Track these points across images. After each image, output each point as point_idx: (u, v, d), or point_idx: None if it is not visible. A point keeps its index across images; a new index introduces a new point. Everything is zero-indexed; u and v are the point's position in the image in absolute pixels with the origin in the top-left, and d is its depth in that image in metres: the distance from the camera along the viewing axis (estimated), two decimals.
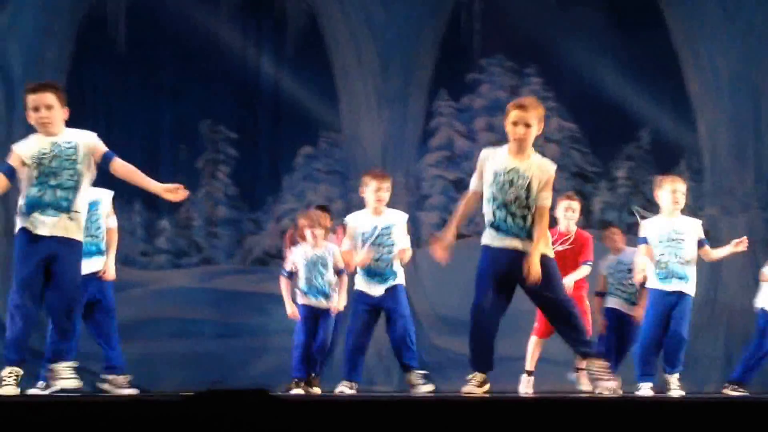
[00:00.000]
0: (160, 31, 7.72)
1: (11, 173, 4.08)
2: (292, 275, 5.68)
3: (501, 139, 7.93)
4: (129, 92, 7.71)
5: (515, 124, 4.14)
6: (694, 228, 5.14)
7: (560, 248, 5.45)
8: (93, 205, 4.99)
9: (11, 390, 3.93)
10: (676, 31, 7.75)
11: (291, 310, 5.48)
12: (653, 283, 5.15)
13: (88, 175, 4.17)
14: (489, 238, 4.32)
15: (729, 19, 7.80)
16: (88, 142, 4.17)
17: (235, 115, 7.87)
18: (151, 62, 7.75)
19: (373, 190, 5.24)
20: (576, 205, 5.75)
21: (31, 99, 4.11)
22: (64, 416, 3.08)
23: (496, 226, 4.26)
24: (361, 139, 7.94)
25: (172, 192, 4.08)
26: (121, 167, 4.10)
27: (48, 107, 4.08)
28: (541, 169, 4.27)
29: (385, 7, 7.88)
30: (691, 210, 7.55)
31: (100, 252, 5.11)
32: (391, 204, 7.27)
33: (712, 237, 7.34)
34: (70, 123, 7.86)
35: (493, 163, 4.23)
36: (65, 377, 4.15)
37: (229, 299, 7.51)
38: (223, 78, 7.75)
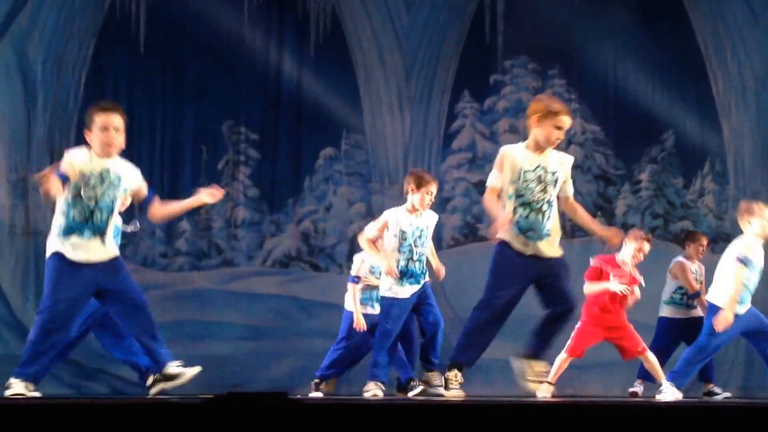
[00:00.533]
0: (181, 31, 7.73)
1: (66, 180, 4.03)
2: (359, 280, 5.72)
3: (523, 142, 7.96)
4: (150, 93, 7.71)
5: (559, 128, 4.09)
6: None
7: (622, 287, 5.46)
8: None
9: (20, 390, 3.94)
10: (702, 32, 7.76)
11: (358, 320, 5.58)
12: (737, 307, 4.99)
13: (121, 204, 4.23)
14: (510, 235, 4.24)
15: (755, 21, 7.82)
16: (133, 181, 4.20)
17: (257, 116, 7.85)
18: (173, 62, 7.75)
19: (426, 192, 5.18)
20: (647, 248, 5.66)
21: (102, 118, 4.11)
22: (83, 419, 3.14)
23: (517, 224, 4.20)
24: (383, 141, 7.96)
25: (211, 194, 4.09)
26: (158, 210, 4.18)
27: (117, 129, 4.11)
28: (562, 163, 4.26)
29: (408, 8, 7.89)
30: (714, 214, 7.67)
31: None
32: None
33: (723, 244, 7.20)
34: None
35: (515, 160, 4.18)
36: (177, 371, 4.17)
37: (248, 301, 7.53)
38: (245, 78, 7.75)
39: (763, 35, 7.78)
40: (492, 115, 7.91)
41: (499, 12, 7.86)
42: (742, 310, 5.08)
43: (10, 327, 7.51)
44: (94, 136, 4.12)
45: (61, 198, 4.06)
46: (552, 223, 4.23)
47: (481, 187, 7.38)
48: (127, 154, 7.83)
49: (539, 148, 4.16)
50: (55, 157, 7.26)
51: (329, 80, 7.84)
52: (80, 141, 7.98)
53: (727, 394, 6.11)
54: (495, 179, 4.15)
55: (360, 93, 7.85)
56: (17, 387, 4.02)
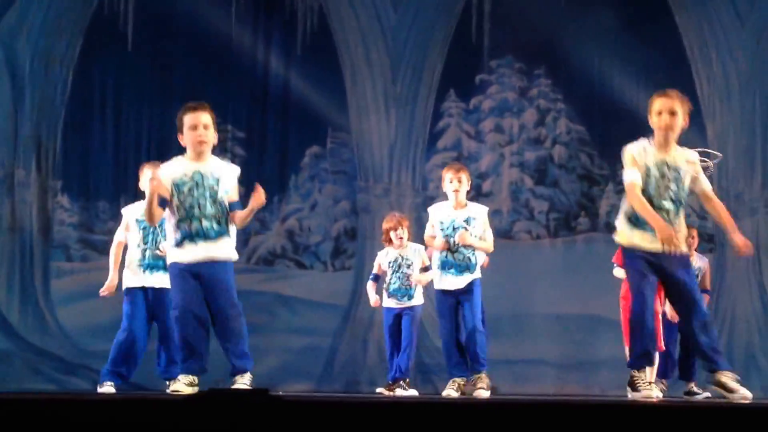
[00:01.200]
0: (169, 29, 7.74)
1: (164, 204, 4.16)
2: (378, 278, 5.86)
3: (510, 141, 8.06)
4: (138, 90, 7.72)
5: (660, 113, 4.03)
6: None
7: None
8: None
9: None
10: (688, 33, 7.72)
11: (375, 299, 5.73)
12: None
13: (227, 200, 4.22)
14: (638, 238, 4.15)
15: (741, 23, 7.76)
16: (232, 179, 4.24)
17: (244, 114, 7.88)
18: (160, 60, 7.76)
19: (449, 180, 5.25)
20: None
21: (190, 117, 4.17)
22: (65, 414, 3.08)
23: (642, 224, 4.10)
24: (368, 140, 7.95)
25: (258, 195, 4.17)
26: (239, 218, 4.24)
27: (206, 126, 4.17)
28: (688, 161, 4.15)
29: (395, 7, 7.90)
30: (697, 214, 7.49)
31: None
32: (397, 204, 7.53)
33: (719, 241, 7.55)
34: (78, 121, 7.64)
35: (642, 157, 4.09)
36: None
37: None
38: (232, 77, 7.78)
39: (748, 37, 7.72)
40: (478, 114, 7.91)
41: (485, 12, 7.85)
42: None
43: None
44: (184, 138, 4.17)
45: (168, 213, 4.23)
46: (681, 218, 4.21)
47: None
48: (115, 151, 7.75)
49: (661, 141, 4.12)
50: (42, 153, 7.77)
51: (315, 79, 7.86)
52: (67, 138, 7.87)
53: (707, 394, 6.10)
54: (633, 175, 4.07)
55: (346, 92, 7.88)
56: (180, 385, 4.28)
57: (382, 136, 7.86)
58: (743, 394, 3.98)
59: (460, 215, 5.26)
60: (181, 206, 4.20)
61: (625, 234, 4.15)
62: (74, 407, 3.23)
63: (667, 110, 3.98)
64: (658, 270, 4.10)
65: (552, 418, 3.06)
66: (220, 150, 7.74)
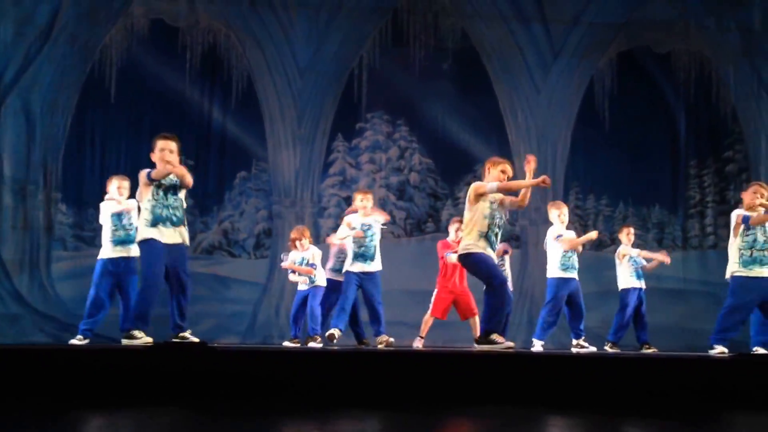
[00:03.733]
0: (141, 88, 8.32)
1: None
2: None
3: (379, 169, 8.74)
4: (118, 132, 8.22)
5: (503, 171, 4.62)
6: None
7: None
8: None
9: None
10: (502, 99, 8.78)
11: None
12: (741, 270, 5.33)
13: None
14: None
15: (537, 92, 8.85)
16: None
17: (193, 148, 8.27)
18: (135, 110, 8.29)
19: (360, 199, 6.00)
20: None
21: (162, 143, 4.57)
22: (61, 361, 3.48)
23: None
24: (281, 167, 8.47)
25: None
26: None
27: (171, 151, 4.58)
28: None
29: (301, 75, 8.62)
30: (508, 221, 7.28)
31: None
32: (301, 212, 8.48)
33: (523, 240, 8.34)
34: (74, 152, 8.18)
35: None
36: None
37: None
38: (185, 121, 8.26)
39: (542, 101, 8.84)
40: (357, 150, 8.66)
41: (364, 80, 8.63)
42: None
43: (9, 293, 7.93)
44: (155, 156, 4.48)
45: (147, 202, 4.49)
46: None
47: (348, 200, 7.95)
48: (100, 173, 7.98)
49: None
50: (48, 173, 8.12)
51: (244, 124, 8.47)
52: (65, 163, 8.16)
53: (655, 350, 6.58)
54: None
55: (266, 134, 8.49)
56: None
57: (290, 165, 8.45)
58: (508, 344, 4.60)
59: (366, 220, 6.03)
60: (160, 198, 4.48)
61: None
62: (67, 355, 3.75)
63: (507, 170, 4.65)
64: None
65: (408, 362, 3.76)
66: None
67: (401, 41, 8.60)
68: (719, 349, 5.17)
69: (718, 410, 3.67)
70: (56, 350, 4.05)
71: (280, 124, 8.62)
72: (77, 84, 8.34)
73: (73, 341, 5.56)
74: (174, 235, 4.55)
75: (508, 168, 4.83)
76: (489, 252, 4.78)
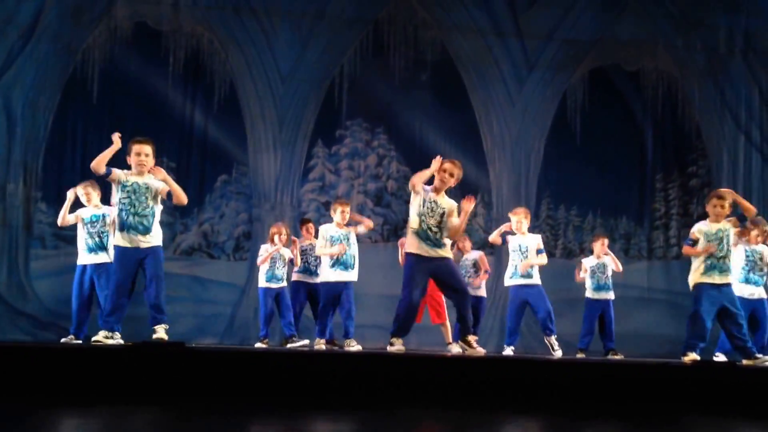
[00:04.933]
0: (123, 89, 8.31)
1: (110, 174, 4.58)
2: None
3: (358, 176, 8.81)
4: (99, 133, 7.92)
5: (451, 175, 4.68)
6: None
7: None
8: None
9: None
10: (477, 108, 8.95)
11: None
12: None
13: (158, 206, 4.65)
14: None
15: (512, 102, 9.05)
16: (159, 184, 4.60)
17: (175, 150, 8.37)
18: (116, 111, 8.22)
19: (340, 212, 6.16)
20: None
21: (137, 147, 4.66)
22: (39, 359, 3.43)
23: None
24: (261, 171, 8.51)
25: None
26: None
27: (146, 154, 4.69)
28: (450, 204, 4.77)
29: (282, 81, 8.69)
30: (483, 230, 8.44)
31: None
32: (280, 216, 8.31)
33: (488, 251, 7.99)
34: (55, 151, 8.23)
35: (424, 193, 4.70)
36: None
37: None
38: (168, 124, 8.31)
39: (517, 112, 9.02)
40: (337, 157, 8.74)
41: (344, 88, 8.70)
42: None
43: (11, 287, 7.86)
44: (131, 160, 4.56)
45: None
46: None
47: (327, 205, 8.19)
48: (81, 172, 7.78)
49: (436, 189, 4.78)
50: (27, 172, 8.06)
51: (225, 128, 8.50)
52: (46, 162, 8.21)
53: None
54: None
55: (247, 138, 8.53)
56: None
57: (270, 169, 8.49)
58: (480, 351, 4.86)
59: (342, 231, 6.17)
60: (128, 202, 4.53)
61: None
62: (45, 354, 3.63)
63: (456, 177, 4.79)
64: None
65: (382, 364, 3.87)
66: None
67: (382, 52, 8.75)
68: (691, 356, 5.35)
69: (678, 414, 3.81)
70: (29, 348, 4.09)
71: (261, 129, 8.69)
72: (59, 84, 8.33)
73: (97, 338, 5.24)
74: (141, 242, 4.69)
75: (453, 168, 4.95)
76: (423, 248, 4.89)
